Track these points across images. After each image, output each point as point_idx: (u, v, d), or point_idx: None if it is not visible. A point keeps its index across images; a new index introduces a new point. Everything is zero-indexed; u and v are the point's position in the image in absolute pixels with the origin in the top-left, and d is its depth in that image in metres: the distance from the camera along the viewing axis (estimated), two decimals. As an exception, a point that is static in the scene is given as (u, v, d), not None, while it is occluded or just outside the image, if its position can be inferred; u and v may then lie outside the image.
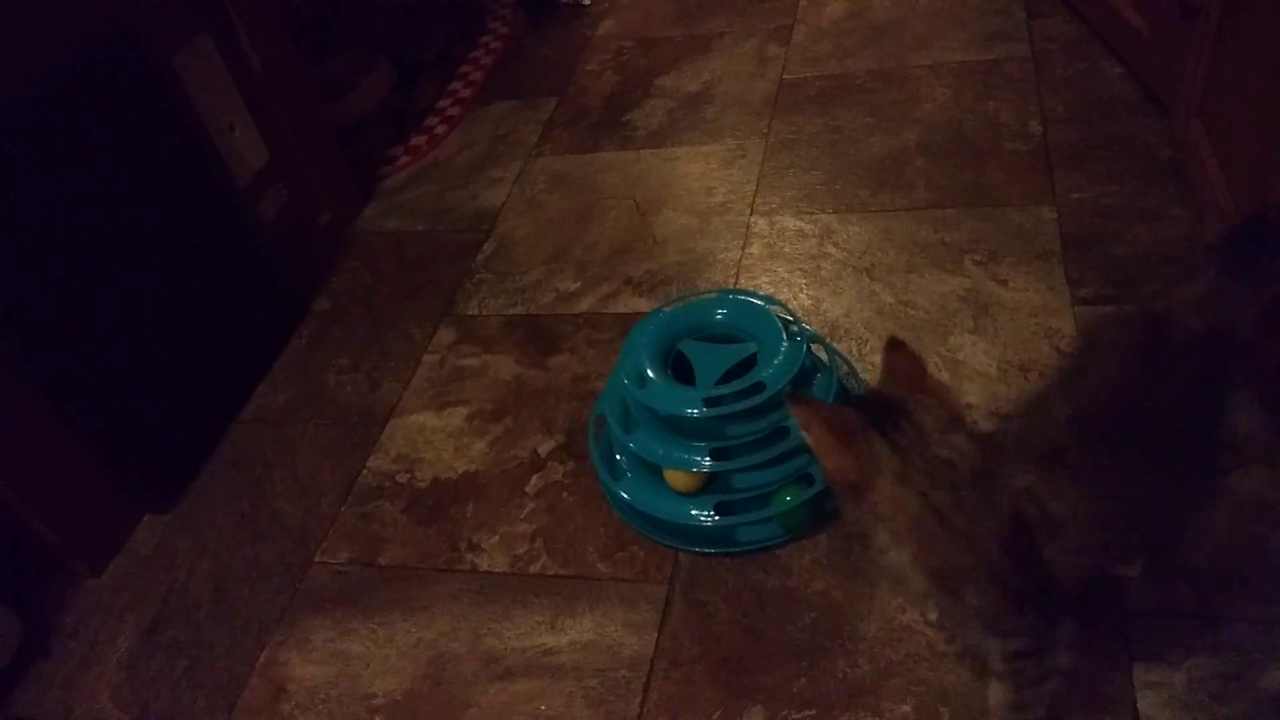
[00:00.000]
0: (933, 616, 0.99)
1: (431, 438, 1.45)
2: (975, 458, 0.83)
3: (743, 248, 1.64)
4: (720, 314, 1.27)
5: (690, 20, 2.34)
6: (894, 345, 0.88)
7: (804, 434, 0.86)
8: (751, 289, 1.54)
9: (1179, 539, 0.99)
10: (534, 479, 1.35)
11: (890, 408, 0.84)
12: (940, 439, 0.83)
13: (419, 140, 2.16)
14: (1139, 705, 0.96)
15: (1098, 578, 1.00)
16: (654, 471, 1.22)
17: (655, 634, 1.13)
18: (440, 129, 2.18)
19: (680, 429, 1.18)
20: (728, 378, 1.18)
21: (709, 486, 1.20)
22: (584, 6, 2.53)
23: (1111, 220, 1.50)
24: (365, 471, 1.42)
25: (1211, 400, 0.87)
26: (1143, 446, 0.84)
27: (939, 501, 0.82)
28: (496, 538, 1.29)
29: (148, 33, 1.41)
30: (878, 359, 1.37)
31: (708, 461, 1.16)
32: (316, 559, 1.32)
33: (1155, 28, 1.63)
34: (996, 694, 0.94)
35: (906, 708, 1.01)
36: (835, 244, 1.60)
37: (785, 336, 1.19)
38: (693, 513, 1.19)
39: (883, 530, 0.84)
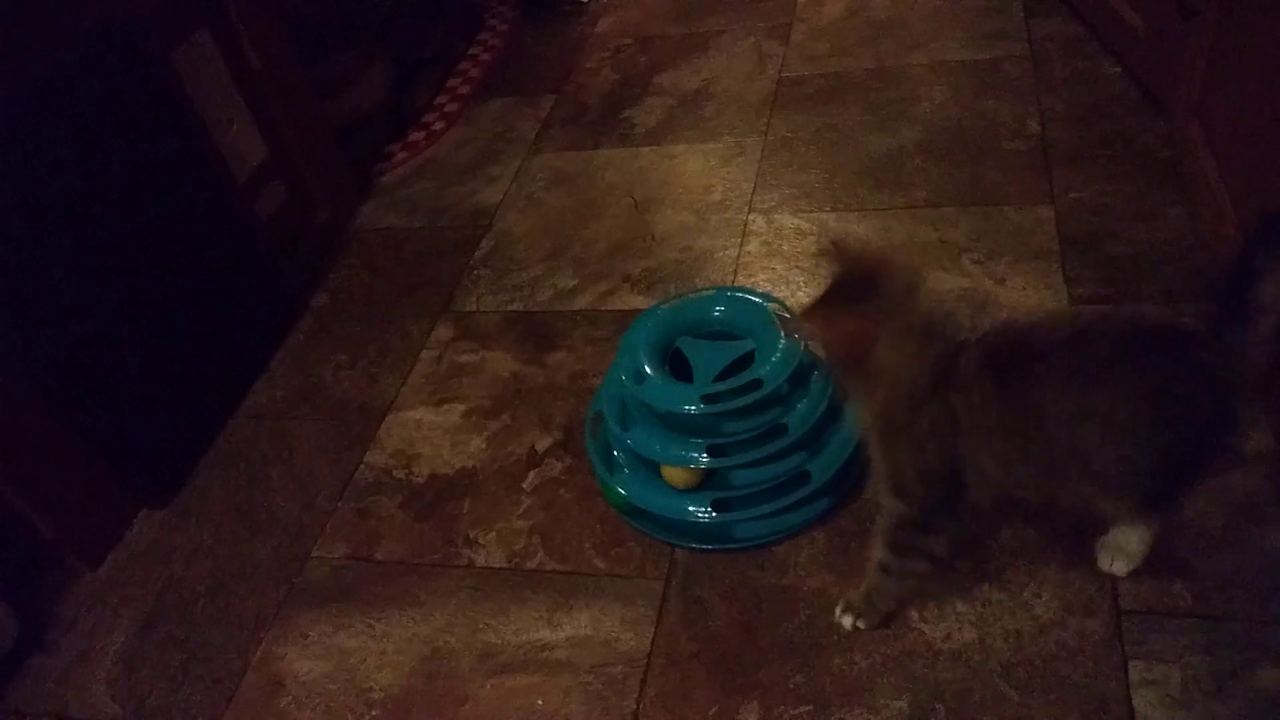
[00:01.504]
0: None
1: (429, 434, 1.45)
2: (938, 320, 0.93)
3: (740, 246, 1.64)
4: (718, 311, 1.27)
5: (689, 18, 2.34)
6: (834, 246, 0.97)
7: (816, 331, 0.96)
8: (749, 286, 1.54)
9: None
10: (531, 475, 1.35)
11: (865, 280, 0.92)
12: (911, 303, 0.92)
13: (417, 137, 2.16)
14: (1134, 703, 0.96)
15: (1004, 502, 1.02)
16: (651, 468, 1.22)
17: (652, 630, 1.13)
18: (439, 126, 2.18)
19: (678, 426, 1.18)
20: (725, 375, 1.18)
21: (706, 483, 1.20)
22: (583, 4, 2.52)
23: (1109, 220, 1.50)
24: (362, 467, 1.42)
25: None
26: (1058, 401, 0.88)
27: (934, 351, 0.90)
28: (493, 533, 1.29)
29: (146, 28, 1.41)
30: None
31: (705, 458, 1.16)
32: (313, 554, 1.32)
33: (1153, 28, 1.63)
34: (874, 549, 1.04)
35: (902, 704, 1.01)
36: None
37: (782, 334, 1.19)
38: (690, 509, 1.19)
39: (866, 385, 0.94)
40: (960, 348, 0.92)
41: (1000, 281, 1.45)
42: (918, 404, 0.91)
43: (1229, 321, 0.85)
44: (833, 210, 1.66)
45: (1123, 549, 1.05)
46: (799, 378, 1.19)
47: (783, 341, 1.18)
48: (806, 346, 1.20)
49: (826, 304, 0.93)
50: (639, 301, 1.58)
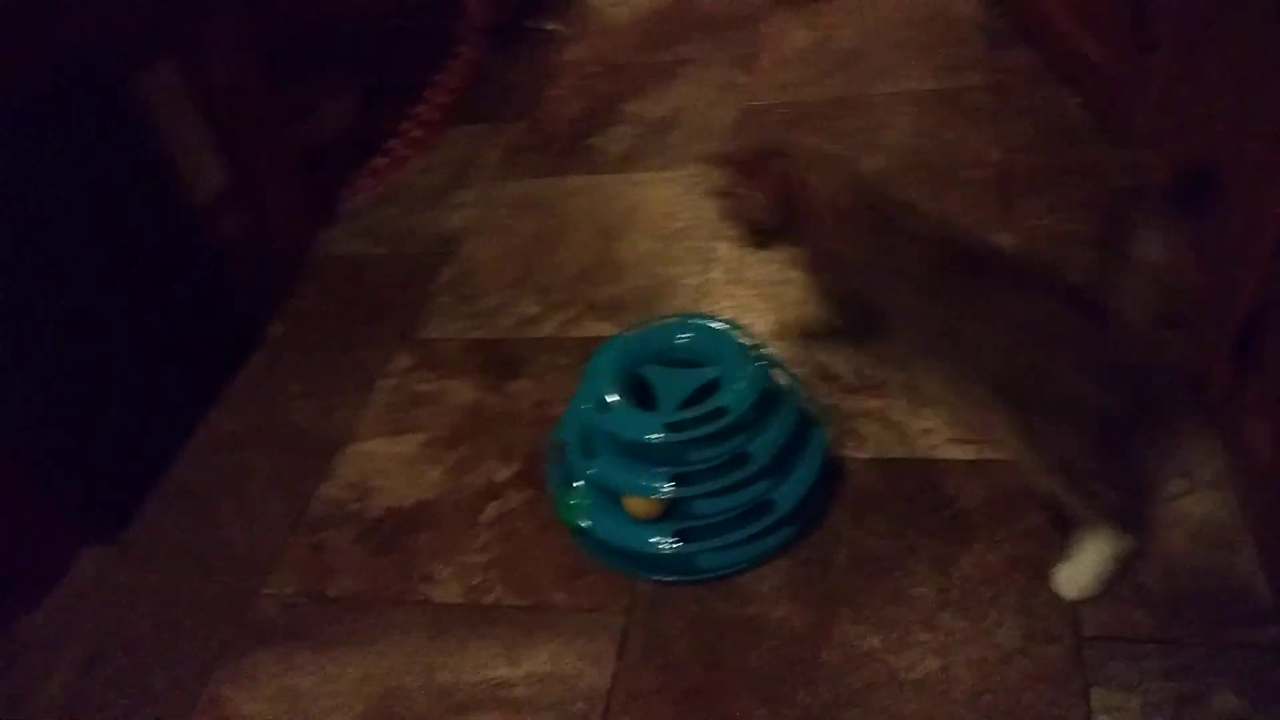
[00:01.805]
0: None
1: (385, 465, 1.42)
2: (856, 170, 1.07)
3: (705, 273, 1.64)
4: (682, 339, 1.26)
5: (656, 47, 2.36)
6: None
7: (741, 194, 1.09)
8: (713, 314, 1.53)
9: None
10: (490, 507, 1.32)
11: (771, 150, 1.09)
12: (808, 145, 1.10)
13: (383, 164, 2.14)
14: (1098, 732, 0.95)
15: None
16: (613, 499, 1.20)
17: (613, 665, 1.11)
18: (405, 152, 2.17)
19: (641, 455, 1.17)
20: (690, 403, 1.17)
21: (669, 513, 1.18)
22: (551, 32, 2.54)
23: (1069, 247, 1.51)
24: (315, 500, 1.39)
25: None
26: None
27: (846, 201, 1.04)
28: (450, 568, 1.26)
29: (111, 55, 1.39)
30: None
31: (668, 487, 1.14)
32: (264, 591, 1.28)
33: (1112, 60, 1.66)
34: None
35: (866, 738, 0.99)
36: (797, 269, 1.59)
37: (747, 361, 1.19)
38: (652, 540, 1.17)
39: (807, 225, 1.08)
40: (911, 209, 1.07)
41: (963, 308, 1.45)
42: (848, 220, 1.05)
43: (1109, 281, 0.93)
44: (797, 237, 1.66)
45: (1073, 574, 1.05)
46: (763, 405, 1.18)
47: (747, 369, 1.17)
48: (769, 374, 1.19)
49: (747, 166, 1.08)
50: (603, 329, 1.57)
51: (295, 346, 1.68)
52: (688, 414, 1.14)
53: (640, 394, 1.21)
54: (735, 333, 1.24)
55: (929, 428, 1.28)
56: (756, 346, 1.23)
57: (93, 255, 1.38)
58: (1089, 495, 1.01)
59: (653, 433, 1.13)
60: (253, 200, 1.75)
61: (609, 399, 1.18)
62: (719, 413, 1.13)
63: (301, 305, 1.77)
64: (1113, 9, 1.56)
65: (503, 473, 1.37)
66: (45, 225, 1.30)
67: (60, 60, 1.31)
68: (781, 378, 1.28)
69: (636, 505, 1.17)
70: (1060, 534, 1.08)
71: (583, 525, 1.21)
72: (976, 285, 1.00)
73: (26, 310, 1.28)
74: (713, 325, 1.27)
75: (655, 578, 1.18)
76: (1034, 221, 1.58)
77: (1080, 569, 1.05)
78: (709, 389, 1.19)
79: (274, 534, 1.35)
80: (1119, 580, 1.05)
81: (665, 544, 1.16)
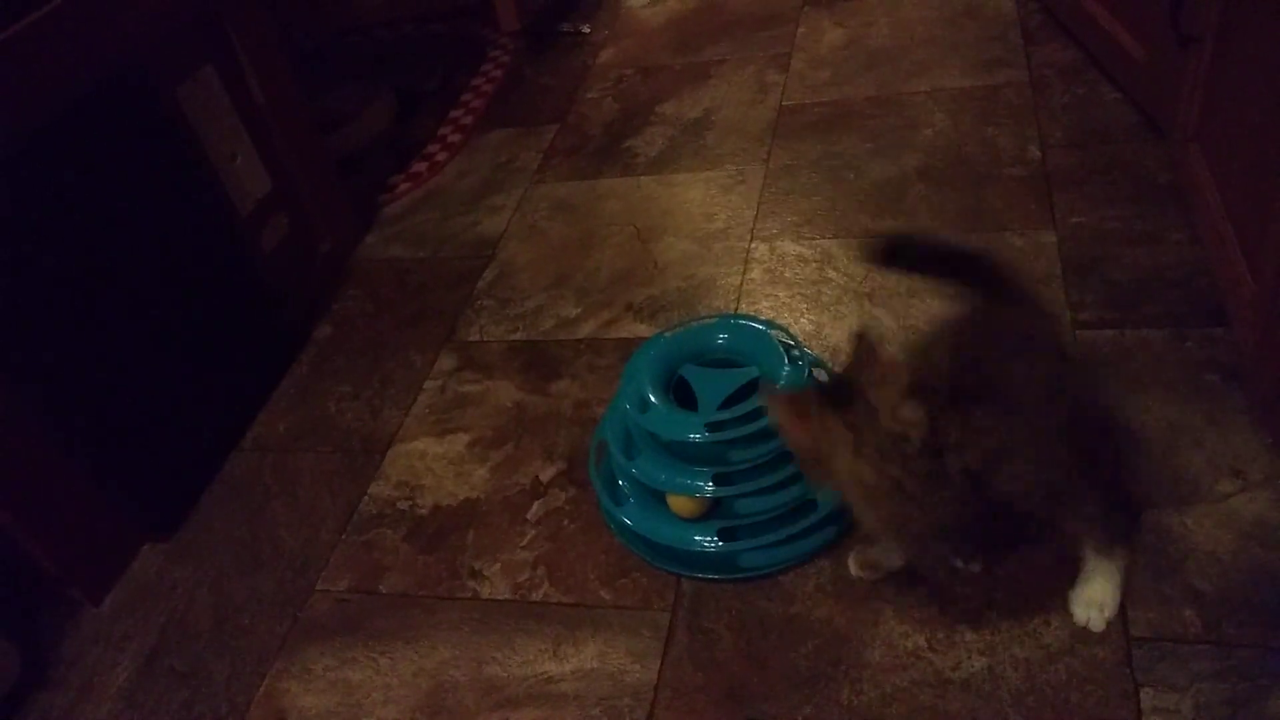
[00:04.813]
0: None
1: (432, 464, 1.45)
2: (924, 426, 0.90)
3: (743, 273, 1.65)
4: (721, 339, 1.27)
5: (689, 48, 2.37)
6: (859, 336, 0.98)
7: (773, 417, 1.02)
8: (752, 314, 1.54)
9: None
10: (535, 505, 1.35)
11: (847, 389, 0.95)
12: (890, 415, 0.91)
13: (420, 168, 2.17)
14: (1148, 733, 0.95)
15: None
16: (657, 498, 1.22)
17: (658, 662, 1.12)
18: (441, 156, 2.20)
19: (683, 454, 1.18)
20: (730, 403, 1.18)
21: (712, 512, 1.20)
22: (584, 35, 2.55)
23: (1111, 244, 1.50)
24: (366, 499, 1.42)
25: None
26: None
27: (893, 472, 0.91)
28: (498, 565, 1.28)
29: (153, 66, 1.43)
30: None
31: (710, 487, 1.16)
32: (317, 587, 1.31)
33: (1152, 54, 1.64)
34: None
35: (912, 736, 1.00)
36: (836, 269, 1.60)
37: (787, 361, 1.19)
38: (696, 538, 1.18)
39: (849, 494, 0.97)
40: None
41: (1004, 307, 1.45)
42: (917, 505, 0.95)
43: None
44: (835, 237, 1.67)
45: (1095, 600, 1.04)
46: (803, 405, 1.18)
47: (786, 368, 1.18)
48: (810, 373, 1.20)
49: (798, 399, 0.99)
50: (642, 330, 1.59)
51: (341, 348, 1.72)
52: (728, 414, 1.15)
53: (680, 394, 1.23)
54: (775, 332, 1.25)
55: (971, 427, 1.28)
56: (796, 346, 1.24)
57: (145, 264, 1.42)
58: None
59: (693, 433, 1.15)
60: (294, 206, 1.78)
61: (649, 399, 1.19)
62: (759, 413, 1.14)
63: (346, 308, 1.81)
64: (1151, 2, 1.54)
65: (547, 472, 1.39)
66: (97, 236, 1.34)
67: (104, 72, 1.34)
68: (822, 377, 1.29)
69: (681, 504, 1.19)
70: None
71: (633, 534, 1.22)
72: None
73: (83, 319, 1.32)
74: (752, 325, 1.28)
75: (699, 576, 1.20)
76: (1076, 219, 1.57)
77: (1101, 597, 1.04)
78: (749, 389, 1.20)
79: (325, 531, 1.38)
80: (1168, 581, 1.05)
81: (709, 543, 1.18)
